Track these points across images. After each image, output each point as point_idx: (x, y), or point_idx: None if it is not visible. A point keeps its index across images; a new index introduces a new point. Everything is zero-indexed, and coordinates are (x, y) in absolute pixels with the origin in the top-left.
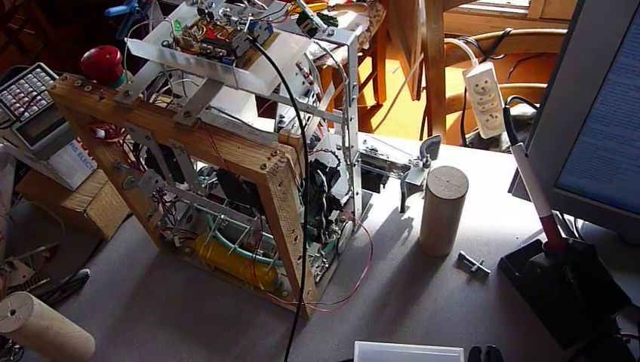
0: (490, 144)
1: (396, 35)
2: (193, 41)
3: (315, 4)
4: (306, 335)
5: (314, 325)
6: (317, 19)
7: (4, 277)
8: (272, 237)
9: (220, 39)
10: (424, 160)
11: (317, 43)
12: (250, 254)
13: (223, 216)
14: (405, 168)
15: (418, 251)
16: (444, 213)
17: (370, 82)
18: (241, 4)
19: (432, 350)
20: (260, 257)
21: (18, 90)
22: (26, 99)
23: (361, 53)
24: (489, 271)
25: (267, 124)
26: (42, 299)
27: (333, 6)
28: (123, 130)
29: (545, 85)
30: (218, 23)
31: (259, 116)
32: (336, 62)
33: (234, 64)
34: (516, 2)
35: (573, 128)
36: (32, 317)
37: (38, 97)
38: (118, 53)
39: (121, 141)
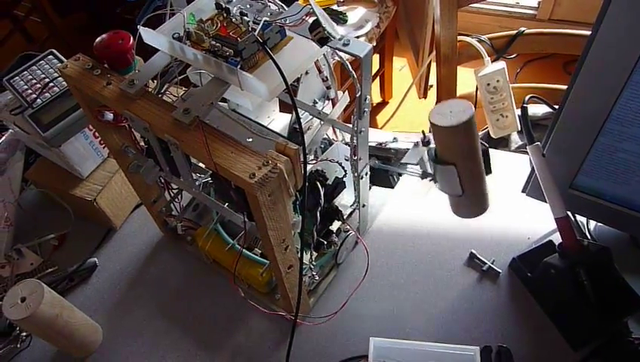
0: (498, 144)
1: (404, 32)
2: (205, 36)
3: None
4: (309, 332)
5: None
6: (330, 29)
7: (11, 265)
8: None
9: (231, 37)
10: (425, 139)
11: (333, 49)
12: (245, 252)
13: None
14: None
15: (428, 251)
16: (461, 144)
17: (377, 79)
18: (261, 3)
19: (448, 348)
20: (256, 257)
21: (30, 77)
22: (38, 85)
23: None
24: (500, 271)
25: (287, 120)
26: (50, 287)
27: (343, 1)
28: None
29: (554, 86)
30: (233, 20)
31: (281, 111)
32: (351, 73)
33: (239, 66)
34: (525, 2)
35: (592, 129)
36: (43, 305)
37: (51, 84)
38: (131, 39)
39: (128, 125)
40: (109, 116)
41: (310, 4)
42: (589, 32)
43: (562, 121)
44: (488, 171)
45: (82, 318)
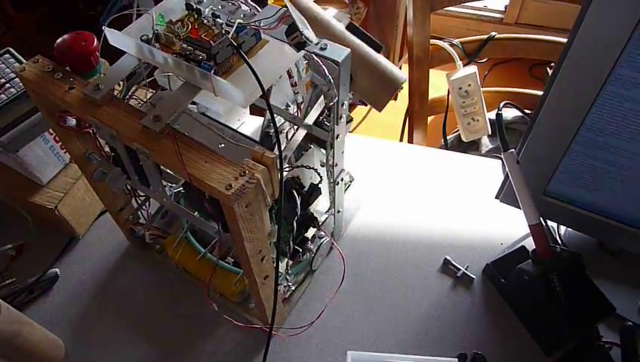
0: (469, 147)
1: (374, 33)
2: (175, 38)
3: None
4: (283, 343)
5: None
6: (308, 33)
7: None
8: None
9: (203, 40)
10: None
11: (310, 53)
12: (217, 261)
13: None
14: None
15: (403, 257)
16: None
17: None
18: (232, 3)
19: (428, 361)
20: (229, 266)
21: None
22: None
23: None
24: (474, 277)
25: (259, 122)
26: (7, 301)
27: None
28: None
29: (524, 90)
30: (205, 22)
31: (251, 113)
32: (329, 77)
33: (212, 71)
34: (493, 6)
35: (565, 136)
36: (0, 323)
37: (7, 85)
38: (95, 40)
39: (93, 131)
40: (72, 122)
41: (286, 7)
42: (558, 39)
43: (536, 128)
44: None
45: (43, 334)
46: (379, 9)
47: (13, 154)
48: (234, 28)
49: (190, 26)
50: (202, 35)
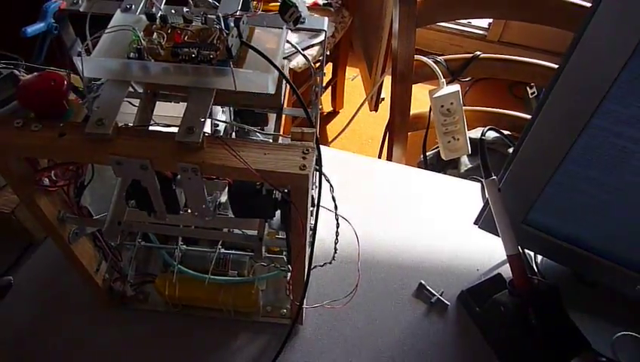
0: (448, 165)
1: (358, 43)
2: (159, 48)
3: (272, 4)
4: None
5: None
6: (301, 7)
7: None
8: (244, 254)
9: (189, 42)
10: None
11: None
12: (225, 278)
13: (184, 248)
14: None
15: (375, 278)
16: None
17: (329, 88)
18: (180, 6)
19: None
20: (238, 278)
21: None
22: None
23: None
24: (448, 304)
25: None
26: None
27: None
28: (70, 171)
29: (507, 111)
30: (175, 25)
31: None
32: (306, 58)
33: (231, 65)
34: (476, 23)
35: (549, 167)
36: None
37: None
38: (65, 78)
39: (64, 188)
40: (46, 181)
41: None
42: (543, 62)
43: (520, 156)
44: None
45: None
46: (364, 20)
47: None
48: (227, 22)
49: (165, 34)
50: (185, 38)
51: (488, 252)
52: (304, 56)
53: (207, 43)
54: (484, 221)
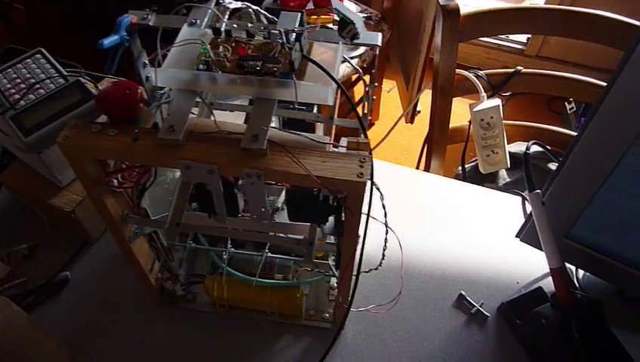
0: (485, 179)
1: (395, 56)
2: (226, 60)
3: (322, 17)
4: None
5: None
6: (358, 22)
7: None
8: (289, 258)
9: (253, 55)
10: None
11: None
12: (272, 282)
13: (232, 251)
14: None
15: (417, 287)
16: None
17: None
18: (242, 21)
19: None
20: (284, 282)
21: (15, 75)
22: (23, 85)
23: (361, 71)
24: (488, 315)
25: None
26: (16, 301)
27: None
28: (136, 174)
29: (547, 126)
30: (238, 39)
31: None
32: (358, 70)
33: (294, 77)
34: (515, 37)
35: (594, 182)
36: (10, 327)
37: (37, 85)
38: (139, 87)
39: (125, 189)
40: (114, 182)
41: (333, 6)
42: (583, 77)
43: (565, 171)
44: None
45: (49, 341)
46: (402, 33)
47: (36, 155)
48: (291, 37)
49: (230, 48)
50: (249, 52)
51: (528, 265)
52: (357, 69)
53: (270, 56)
54: (527, 234)
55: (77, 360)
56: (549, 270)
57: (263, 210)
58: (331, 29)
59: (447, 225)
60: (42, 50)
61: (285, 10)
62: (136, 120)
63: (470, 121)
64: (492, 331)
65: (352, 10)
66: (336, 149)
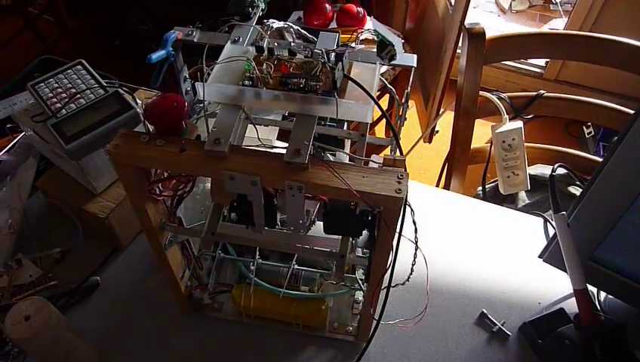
0: (505, 200)
1: (415, 75)
2: (269, 77)
3: (344, 36)
4: None
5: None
6: (396, 44)
7: (9, 275)
8: (315, 271)
9: (295, 73)
10: None
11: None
12: (298, 293)
13: (259, 261)
14: None
15: (440, 304)
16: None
17: (383, 119)
18: (282, 40)
19: None
20: (309, 294)
21: (56, 85)
22: (64, 95)
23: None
24: (510, 334)
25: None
26: None
27: (362, 40)
28: (175, 183)
29: (568, 150)
30: (280, 57)
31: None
32: (392, 92)
33: (335, 95)
34: (533, 61)
35: (620, 205)
36: (47, 326)
37: (77, 95)
38: (184, 100)
39: (164, 199)
40: (157, 191)
41: (372, 28)
42: (606, 103)
43: (592, 194)
44: None
45: (81, 341)
46: (423, 54)
47: (75, 163)
48: (332, 57)
49: (272, 65)
50: (291, 70)
51: (549, 286)
52: (390, 90)
53: (312, 74)
54: (550, 255)
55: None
56: (570, 291)
57: (300, 221)
58: (369, 49)
59: (469, 244)
60: (83, 61)
61: (323, 31)
62: (182, 131)
63: (491, 142)
64: (513, 350)
65: (388, 31)
66: (373, 165)
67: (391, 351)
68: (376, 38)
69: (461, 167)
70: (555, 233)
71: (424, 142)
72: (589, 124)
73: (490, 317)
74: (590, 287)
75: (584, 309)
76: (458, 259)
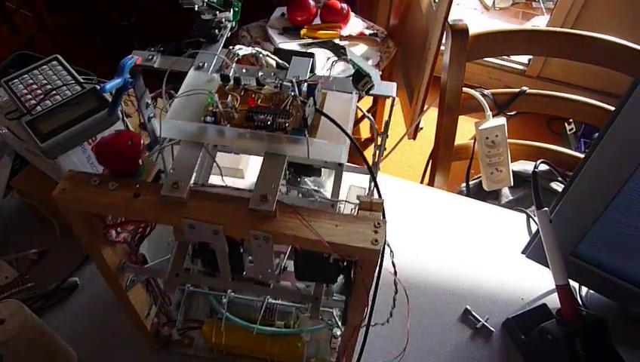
0: (488, 196)
1: (399, 72)
2: (234, 111)
3: (327, 32)
4: None
5: None
6: (374, 76)
7: None
8: (290, 304)
9: (263, 106)
10: None
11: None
12: (273, 329)
13: (232, 295)
14: None
15: (423, 301)
16: None
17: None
18: (251, 66)
19: None
20: (286, 330)
21: (31, 81)
22: (39, 91)
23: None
24: (493, 330)
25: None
26: (25, 305)
27: (346, 36)
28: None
29: (552, 146)
30: (247, 87)
31: None
32: (371, 120)
33: (306, 134)
34: (516, 58)
35: (600, 202)
36: (22, 330)
37: (53, 92)
38: (140, 137)
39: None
40: (113, 234)
41: (348, 57)
42: (588, 100)
43: (573, 190)
44: None
45: (59, 344)
46: (407, 51)
47: (51, 161)
48: (304, 88)
49: (238, 97)
50: (259, 103)
51: (532, 281)
52: (370, 120)
53: (281, 109)
54: (533, 251)
55: None
56: (553, 287)
57: (269, 271)
58: (345, 77)
59: (452, 240)
60: (58, 56)
61: (296, 55)
62: (138, 172)
63: (475, 139)
64: (497, 346)
65: (365, 61)
66: (349, 210)
67: (377, 346)
68: (352, 69)
69: (445, 164)
70: (538, 229)
71: (408, 138)
72: (571, 120)
73: (473, 313)
74: (572, 282)
75: (566, 304)
76: (441, 256)
